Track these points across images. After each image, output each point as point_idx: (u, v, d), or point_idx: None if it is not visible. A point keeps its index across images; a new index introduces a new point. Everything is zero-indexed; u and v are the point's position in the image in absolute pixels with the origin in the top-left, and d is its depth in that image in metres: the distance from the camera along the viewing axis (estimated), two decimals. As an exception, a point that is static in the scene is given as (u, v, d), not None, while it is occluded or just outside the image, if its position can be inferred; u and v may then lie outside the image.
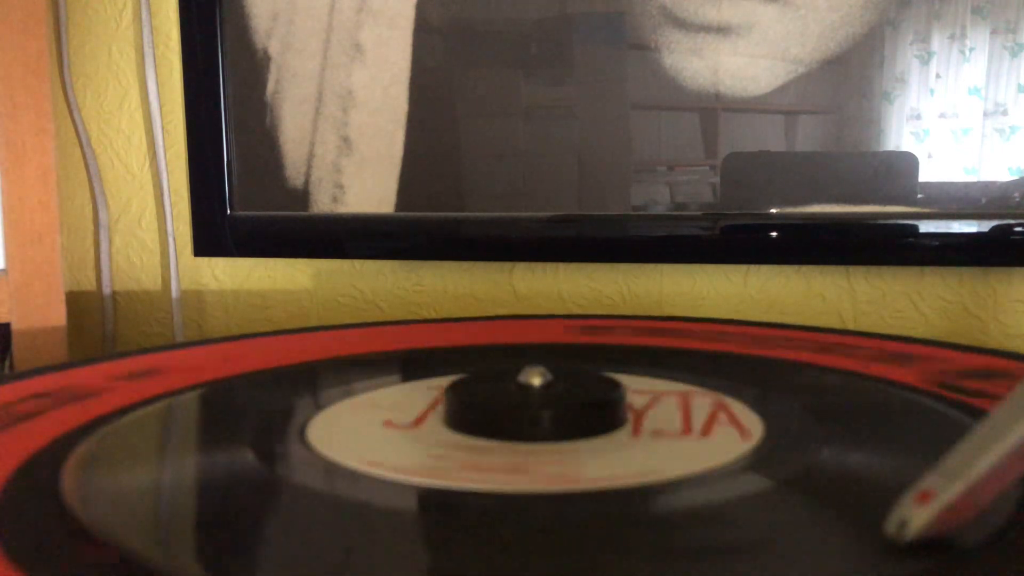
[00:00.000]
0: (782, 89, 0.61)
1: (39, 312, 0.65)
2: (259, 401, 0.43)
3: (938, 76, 0.59)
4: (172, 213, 0.74)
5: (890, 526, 0.23)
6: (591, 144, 0.65)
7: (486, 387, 0.37)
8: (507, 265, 0.70)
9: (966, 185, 0.59)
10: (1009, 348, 0.61)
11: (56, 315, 0.65)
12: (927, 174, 0.60)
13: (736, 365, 0.48)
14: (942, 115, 0.59)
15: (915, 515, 0.23)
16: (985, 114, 0.59)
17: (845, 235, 0.61)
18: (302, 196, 0.69)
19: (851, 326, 0.65)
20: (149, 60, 0.73)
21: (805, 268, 0.65)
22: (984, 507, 0.23)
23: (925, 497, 0.23)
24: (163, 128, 0.74)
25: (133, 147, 0.75)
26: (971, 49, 0.59)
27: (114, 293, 0.77)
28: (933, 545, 0.23)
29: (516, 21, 0.65)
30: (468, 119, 0.66)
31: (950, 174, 0.60)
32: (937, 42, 0.59)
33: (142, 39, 0.73)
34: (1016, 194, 0.58)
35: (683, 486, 0.29)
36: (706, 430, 0.35)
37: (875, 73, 0.60)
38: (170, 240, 0.74)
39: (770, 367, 0.47)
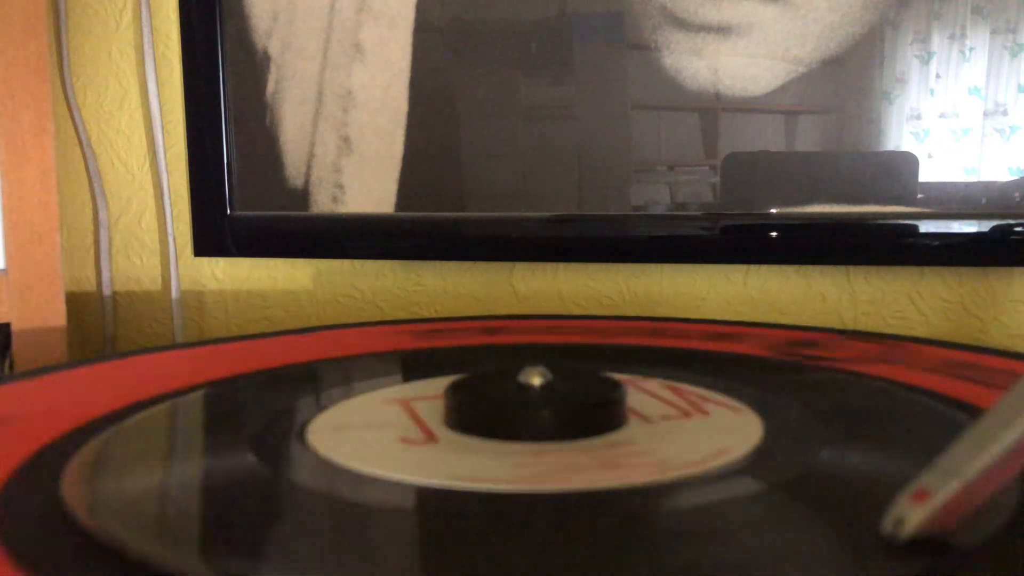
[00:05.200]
0: (782, 89, 0.61)
1: (39, 312, 0.65)
2: (259, 402, 0.43)
3: (938, 76, 0.59)
4: (172, 213, 0.74)
5: (887, 524, 0.23)
6: (591, 144, 0.65)
7: (486, 387, 0.37)
8: (507, 265, 0.70)
9: (966, 185, 0.59)
10: (1009, 348, 0.61)
11: (56, 315, 0.65)
12: (927, 174, 0.60)
13: (735, 364, 0.48)
14: (942, 115, 0.59)
15: (911, 513, 0.23)
16: (985, 114, 0.59)
17: (845, 235, 0.61)
18: (302, 196, 0.69)
19: (851, 326, 0.65)
20: (149, 60, 0.73)
21: (805, 268, 0.65)
22: (981, 505, 0.23)
23: (921, 495, 0.23)
24: (163, 128, 0.74)
25: (133, 147, 0.75)
26: (971, 49, 0.59)
27: (114, 293, 0.77)
28: (929, 543, 0.23)
29: (516, 21, 0.65)
30: (468, 119, 0.66)
31: (950, 174, 0.60)
32: (937, 42, 0.59)
33: (142, 39, 0.73)
34: (1016, 194, 0.58)
35: (684, 486, 0.29)
36: (707, 427, 0.35)
37: (875, 73, 0.60)
38: (170, 240, 0.75)
39: (767, 367, 0.47)
